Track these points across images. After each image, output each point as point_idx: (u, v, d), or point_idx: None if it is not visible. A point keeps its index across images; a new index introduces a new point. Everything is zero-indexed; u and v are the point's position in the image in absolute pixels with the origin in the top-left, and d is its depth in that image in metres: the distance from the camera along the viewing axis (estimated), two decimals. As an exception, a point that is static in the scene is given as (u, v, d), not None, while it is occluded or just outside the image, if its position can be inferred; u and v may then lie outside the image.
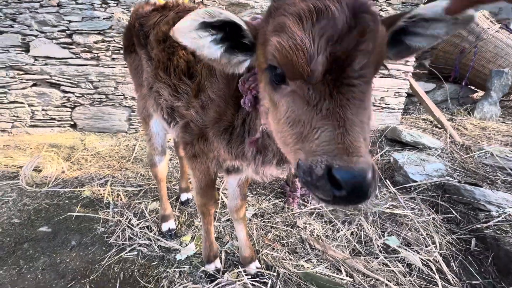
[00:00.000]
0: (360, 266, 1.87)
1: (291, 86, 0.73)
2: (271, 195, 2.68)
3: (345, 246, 2.08)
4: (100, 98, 3.96)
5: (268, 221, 2.33)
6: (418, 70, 6.38)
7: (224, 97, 1.20)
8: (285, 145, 0.77)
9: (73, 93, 3.89)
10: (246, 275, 1.77)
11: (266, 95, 0.85)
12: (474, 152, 3.22)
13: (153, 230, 2.20)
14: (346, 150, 0.62)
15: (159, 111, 1.66)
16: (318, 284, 1.72)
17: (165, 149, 2.12)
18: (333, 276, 1.81)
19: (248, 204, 2.52)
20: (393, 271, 1.86)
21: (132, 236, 2.12)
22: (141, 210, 2.41)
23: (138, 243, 2.06)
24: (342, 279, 1.79)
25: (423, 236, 2.14)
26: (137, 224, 2.24)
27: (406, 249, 2.02)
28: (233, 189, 1.75)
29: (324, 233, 2.21)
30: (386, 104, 4.37)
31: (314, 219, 2.36)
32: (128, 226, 2.21)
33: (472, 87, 5.66)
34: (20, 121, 3.91)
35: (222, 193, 2.63)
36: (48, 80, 3.79)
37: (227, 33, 0.83)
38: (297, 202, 2.53)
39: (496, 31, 5.08)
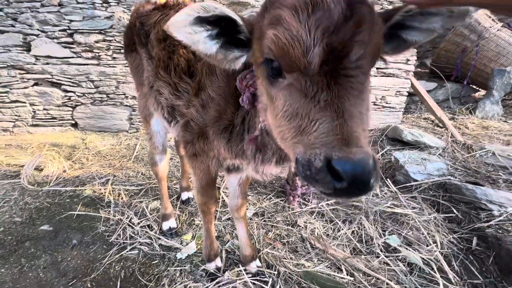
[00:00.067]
0: (360, 265, 1.86)
1: (288, 79, 0.72)
2: (271, 194, 2.68)
3: (345, 245, 2.08)
4: (101, 98, 3.97)
5: (268, 220, 2.33)
6: (419, 69, 6.36)
7: (224, 95, 1.20)
8: (283, 140, 0.76)
9: (74, 92, 3.90)
10: (246, 273, 1.77)
11: (263, 90, 0.85)
12: (476, 151, 3.21)
13: (154, 229, 2.20)
14: (345, 141, 0.61)
15: (159, 110, 1.66)
16: (319, 283, 1.72)
17: (166, 148, 2.12)
18: (333, 275, 1.81)
19: (249, 203, 2.52)
20: (394, 270, 1.86)
21: (133, 234, 2.13)
22: (142, 209, 2.42)
23: (139, 241, 2.06)
24: (342, 278, 1.79)
25: (424, 235, 2.13)
26: (138, 223, 2.24)
27: (407, 248, 2.01)
28: (233, 188, 1.76)
29: (325, 232, 2.21)
30: (387, 103, 4.36)
31: (314, 218, 2.36)
32: (129, 225, 2.21)
33: (474, 86, 5.64)
34: (22, 121, 3.92)
35: (223, 192, 2.63)
36: (49, 80, 3.80)
37: (223, 28, 0.82)
38: (297, 201, 2.53)
39: (498, 30, 5.05)
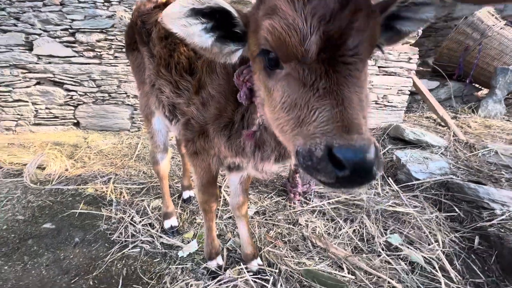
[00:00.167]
0: (362, 264, 1.86)
1: (286, 69, 0.72)
2: (273, 193, 2.68)
3: (347, 243, 2.08)
4: (103, 97, 3.98)
5: (270, 219, 2.33)
6: (421, 68, 6.33)
7: (224, 93, 1.20)
8: (283, 133, 0.76)
9: (76, 91, 3.91)
10: (248, 272, 1.77)
11: (260, 84, 0.85)
12: (478, 150, 3.19)
13: (156, 227, 2.21)
14: (346, 128, 0.61)
15: (161, 108, 1.66)
16: (320, 282, 1.72)
17: (167, 147, 2.13)
18: (335, 273, 1.81)
19: (250, 202, 2.52)
20: (395, 269, 1.85)
21: (134, 233, 2.13)
22: (143, 207, 2.43)
23: (141, 240, 2.07)
24: (344, 276, 1.79)
25: (425, 234, 2.13)
26: (140, 221, 2.25)
27: (408, 247, 2.01)
28: (235, 186, 1.76)
29: (326, 231, 2.20)
30: (389, 102, 4.34)
31: (316, 217, 2.36)
32: (130, 223, 2.22)
33: (477, 85, 5.61)
34: (24, 120, 3.94)
35: (224, 190, 2.64)
36: (52, 79, 3.82)
37: (218, 21, 0.82)
38: (298, 199, 2.53)
39: (501, 28, 5.01)
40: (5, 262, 1.87)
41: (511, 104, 5.40)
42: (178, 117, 1.54)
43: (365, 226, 2.22)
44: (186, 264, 1.87)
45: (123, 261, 1.89)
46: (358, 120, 0.63)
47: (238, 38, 0.86)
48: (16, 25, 3.58)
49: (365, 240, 2.12)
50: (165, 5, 1.72)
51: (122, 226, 2.19)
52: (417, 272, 1.84)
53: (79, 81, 3.86)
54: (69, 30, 3.64)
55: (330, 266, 1.88)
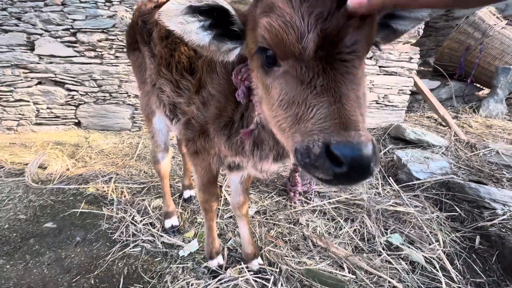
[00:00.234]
0: (362, 263, 1.86)
1: (283, 66, 0.72)
2: (273, 193, 2.68)
3: (347, 243, 2.08)
4: (104, 96, 3.99)
5: (270, 218, 2.33)
6: (422, 68, 6.32)
7: (224, 92, 1.20)
8: (281, 131, 0.76)
9: (77, 91, 3.92)
10: (248, 271, 1.78)
11: (258, 82, 0.85)
12: (479, 150, 3.19)
13: (157, 226, 2.22)
14: (344, 125, 0.61)
15: (161, 108, 1.67)
16: (321, 281, 1.72)
17: (168, 146, 2.13)
18: (335, 273, 1.81)
19: (251, 202, 2.52)
20: (396, 268, 1.85)
21: (135, 232, 2.14)
22: (144, 207, 2.43)
23: (142, 239, 2.08)
24: (344, 276, 1.79)
25: (426, 233, 2.13)
26: (141, 221, 2.25)
27: (409, 247, 2.01)
28: (235, 185, 1.76)
29: (327, 231, 2.21)
30: (389, 101, 4.34)
31: (316, 217, 2.36)
32: (131, 223, 2.23)
33: (478, 85, 5.59)
34: (26, 119, 3.96)
35: (225, 190, 2.64)
36: (53, 79, 3.83)
37: (216, 19, 0.82)
38: (298, 198, 2.53)
39: (502, 28, 5.00)
40: (7, 261, 1.87)
41: (513, 103, 5.39)
42: (178, 117, 1.54)
43: (366, 225, 2.22)
44: (187, 263, 1.87)
45: (124, 260, 1.90)
46: (356, 117, 0.63)
47: (236, 36, 0.86)
48: (17, 25, 3.59)
49: (366, 239, 2.12)
50: (166, 5, 1.72)
51: (123, 225, 2.19)
52: (417, 272, 1.84)
53: (80, 81, 3.87)
54: (71, 30, 3.65)
55: (330, 265, 1.88)
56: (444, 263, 1.88)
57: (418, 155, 2.97)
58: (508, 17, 5.35)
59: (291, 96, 0.70)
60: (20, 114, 3.91)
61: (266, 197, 2.62)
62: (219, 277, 1.73)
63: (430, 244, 2.03)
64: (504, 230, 1.99)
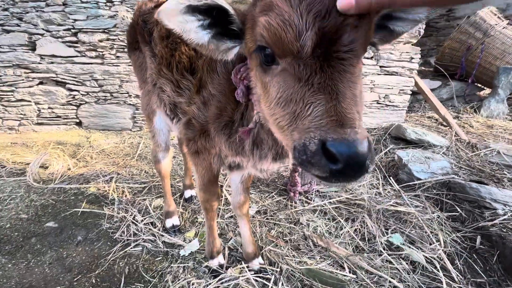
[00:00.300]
0: (363, 263, 1.86)
1: (282, 64, 0.73)
2: (274, 193, 2.68)
3: (348, 243, 2.08)
4: (105, 96, 4.00)
5: (271, 218, 2.33)
6: (423, 68, 6.31)
7: (224, 92, 1.20)
8: (280, 129, 0.76)
9: (78, 91, 3.93)
10: (249, 270, 1.78)
11: (257, 81, 0.85)
12: (480, 150, 3.18)
13: (157, 226, 2.22)
14: (340, 122, 0.62)
15: (162, 107, 1.67)
16: (321, 281, 1.73)
17: (169, 146, 2.13)
18: (336, 272, 1.81)
19: (251, 201, 2.53)
20: (396, 268, 1.85)
21: (136, 232, 2.15)
22: (145, 206, 2.44)
23: (143, 238, 2.08)
24: (345, 275, 1.79)
25: (427, 233, 2.12)
26: (142, 220, 2.26)
27: (410, 247, 2.01)
28: (236, 185, 1.76)
29: (327, 230, 2.21)
30: (390, 101, 4.33)
31: (317, 216, 2.36)
32: (132, 222, 2.24)
33: (479, 85, 5.58)
34: (27, 119, 3.97)
35: (226, 189, 2.65)
36: (54, 79, 3.84)
37: (215, 18, 0.82)
38: (297, 197, 2.53)
39: (503, 28, 4.99)
40: (8, 260, 1.88)
41: (514, 103, 5.37)
42: (179, 116, 1.54)
43: (367, 225, 2.22)
44: (188, 263, 1.88)
45: (125, 260, 1.91)
46: (352, 114, 0.64)
47: (235, 35, 0.87)
48: (19, 25, 3.60)
49: (367, 239, 2.12)
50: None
51: (124, 225, 2.20)
52: (418, 272, 1.84)
53: (82, 81, 3.88)
54: (72, 30, 3.67)
55: (331, 265, 1.88)
56: (444, 263, 1.88)
57: (419, 155, 2.97)
58: (509, 17, 5.34)
59: (289, 94, 0.71)
60: (21, 114, 3.92)
61: (267, 196, 2.62)
62: (219, 277, 1.74)
63: (430, 244, 2.03)
64: (505, 230, 1.99)
